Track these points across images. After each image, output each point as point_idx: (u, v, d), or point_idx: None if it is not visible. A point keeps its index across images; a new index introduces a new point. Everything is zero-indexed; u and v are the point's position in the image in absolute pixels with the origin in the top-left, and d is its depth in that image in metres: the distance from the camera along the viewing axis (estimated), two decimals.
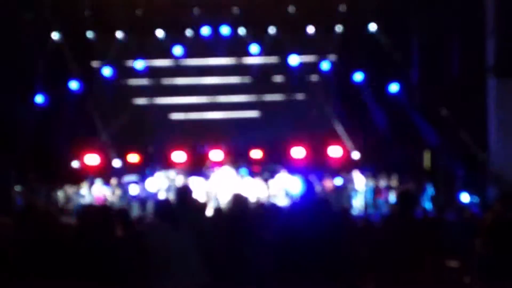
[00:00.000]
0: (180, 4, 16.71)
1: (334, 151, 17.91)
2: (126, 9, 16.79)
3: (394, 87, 17.59)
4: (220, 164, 16.33)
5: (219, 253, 6.25)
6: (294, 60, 18.07)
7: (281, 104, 18.83)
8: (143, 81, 18.84)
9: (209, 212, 9.12)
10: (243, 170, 15.95)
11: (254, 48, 18.11)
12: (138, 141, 18.11)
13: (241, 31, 18.09)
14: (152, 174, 16.08)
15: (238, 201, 6.84)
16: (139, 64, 18.32)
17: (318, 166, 16.63)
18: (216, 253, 6.17)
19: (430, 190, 15.00)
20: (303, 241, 5.67)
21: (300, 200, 6.53)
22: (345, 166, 16.77)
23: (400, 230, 5.89)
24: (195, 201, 7.85)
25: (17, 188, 15.21)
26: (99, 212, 5.85)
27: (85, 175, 16.34)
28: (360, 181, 15.56)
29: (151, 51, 18.25)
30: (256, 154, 17.90)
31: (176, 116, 18.97)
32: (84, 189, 15.44)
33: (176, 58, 18.50)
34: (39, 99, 17.38)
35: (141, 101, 19.07)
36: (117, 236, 5.85)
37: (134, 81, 18.91)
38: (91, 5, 16.91)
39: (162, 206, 6.10)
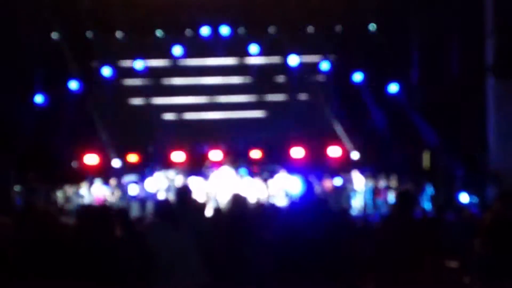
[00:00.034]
0: (179, 4, 16.69)
1: (334, 151, 17.90)
2: (125, 9, 16.78)
3: (393, 87, 17.59)
4: (219, 164, 16.32)
5: (219, 253, 6.26)
6: (293, 60, 18.07)
7: (280, 104, 18.82)
8: (143, 81, 18.82)
9: (208, 212, 9.12)
10: (243, 170, 15.93)
11: (253, 48, 18.11)
12: (137, 141, 18.09)
13: (241, 31, 18.09)
14: (151, 174, 16.07)
15: (238, 201, 6.85)
16: (138, 64, 18.31)
17: (317, 166, 16.62)
18: (215, 253, 6.18)
19: (429, 190, 15.00)
20: (303, 241, 5.68)
21: (299, 200, 6.55)
22: (345, 166, 16.76)
23: (400, 230, 5.89)
24: (195, 201, 7.86)
25: (17, 188, 15.20)
26: (99, 212, 5.85)
27: (84, 175, 16.32)
28: (359, 181, 15.55)
29: (150, 51, 18.24)
30: (255, 154, 17.90)
31: (175, 116, 18.96)
32: (83, 189, 15.42)
33: (175, 58, 18.49)
34: (38, 99, 17.38)
35: (140, 101, 19.05)
36: (116, 236, 5.85)
37: (134, 81, 18.90)
38: (91, 5, 16.90)
39: (162, 206, 6.11)
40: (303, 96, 18.86)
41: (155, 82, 18.84)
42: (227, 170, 15.29)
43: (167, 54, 18.34)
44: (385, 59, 16.88)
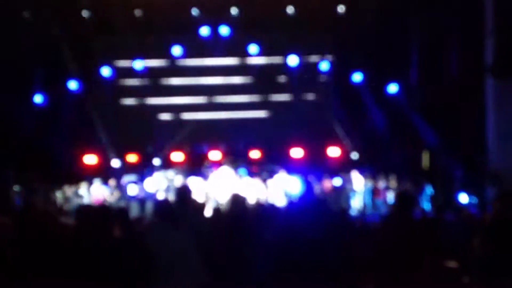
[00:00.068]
0: (179, 5, 16.70)
1: (333, 152, 17.92)
2: (125, 9, 16.78)
3: (393, 88, 17.59)
4: (219, 164, 16.32)
5: (219, 253, 6.25)
6: (293, 60, 18.07)
7: (280, 104, 18.82)
8: (142, 81, 18.82)
9: (208, 212, 9.12)
10: (242, 170, 15.94)
11: (253, 48, 18.11)
12: (136, 141, 18.09)
13: (240, 31, 18.08)
14: (150, 174, 16.07)
15: (237, 201, 6.85)
16: (138, 64, 18.31)
17: (316, 167, 16.62)
18: (215, 253, 6.18)
19: (428, 190, 15.00)
20: (302, 241, 5.68)
21: (299, 200, 6.55)
22: (344, 167, 16.77)
23: (399, 230, 5.89)
24: (195, 201, 7.86)
25: (16, 188, 15.20)
26: (98, 212, 5.86)
27: (84, 175, 16.32)
28: (358, 181, 15.55)
29: (150, 51, 18.24)
30: (255, 154, 17.91)
31: (174, 116, 18.96)
32: (82, 189, 15.41)
33: (174, 58, 18.49)
34: (38, 99, 17.37)
35: (140, 101, 19.05)
36: (116, 236, 5.85)
37: (133, 81, 18.90)
38: (90, 5, 16.91)
39: (162, 206, 6.11)
40: (302, 97, 18.86)
41: (154, 82, 18.85)
42: (226, 170, 15.28)
43: (166, 54, 18.34)
44: (385, 59, 16.87)
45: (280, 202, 13.86)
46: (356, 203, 15.37)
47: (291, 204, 9.19)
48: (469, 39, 14.49)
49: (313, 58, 18.49)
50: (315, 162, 17.21)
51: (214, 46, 18.20)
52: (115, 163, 17.54)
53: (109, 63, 18.32)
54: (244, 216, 6.70)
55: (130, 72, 18.54)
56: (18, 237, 5.73)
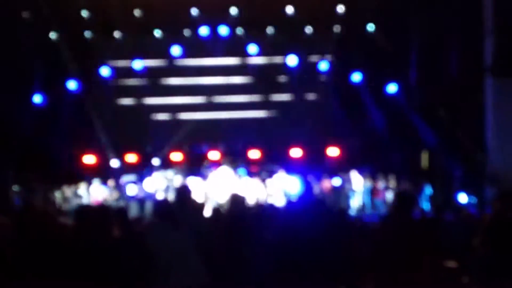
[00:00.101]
0: (178, 4, 16.69)
1: (332, 151, 17.92)
2: (124, 9, 16.77)
3: (392, 88, 17.57)
4: (218, 164, 16.31)
5: (218, 253, 6.25)
6: (292, 60, 18.06)
7: (279, 104, 18.83)
8: (141, 81, 18.80)
9: (207, 212, 9.11)
10: (241, 170, 15.94)
11: (252, 48, 18.10)
12: (136, 141, 18.09)
13: (239, 31, 18.07)
14: (150, 174, 16.06)
15: (236, 201, 6.85)
16: (137, 64, 18.30)
17: (316, 166, 16.62)
18: (215, 253, 6.17)
19: (428, 190, 15.00)
20: (301, 241, 5.68)
21: (298, 200, 6.54)
22: (343, 166, 16.76)
23: (398, 230, 5.89)
24: (194, 201, 7.85)
25: (15, 188, 15.19)
26: (97, 213, 5.86)
27: (83, 175, 16.31)
28: (358, 181, 15.56)
29: (149, 51, 18.24)
30: (254, 154, 17.90)
31: (173, 116, 18.95)
32: (82, 189, 15.41)
33: (174, 58, 18.48)
34: (37, 99, 17.36)
35: (139, 101, 19.04)
36: (115, 236, 5.85)
37: (132, 81, 18.88)
38: (90, 5, 16.90)
39: (162, 206, 6.10)
40: (301, 96, 18.85)
41: (153, 82, 18.84)
42: (225, 170, 15.28)
43: (165, 54, 18.33)
44: (384, 59, 16.87)
45: (279, 202, 13.87)
46: (356, 203, 15.38)
47: (290, 204, 9.18)
48: (469, 39, 14.48)
49: (313, 58, 18.48)
50: (314, 162, 17.21)
51: (214, 46, 18.20)
52: (114, 163, 17.53)
53: (108, 63, 18.31)
54: (243, 216, 6.70)
55: (130, 72, 18.53)
56: (17, 237, 5.73)
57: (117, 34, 18.02)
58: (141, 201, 15.15)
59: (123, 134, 17.87)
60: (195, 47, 18.15)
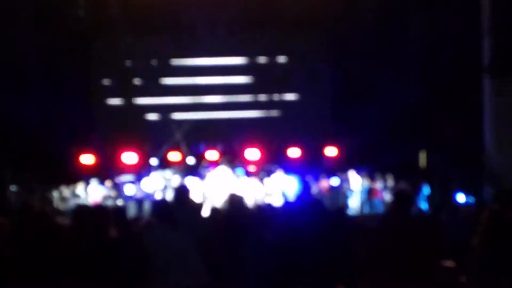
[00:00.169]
0: (177, 4, 16.68)
1: (330, 151, 17.91)
2: (124, 9, 16.76)
3: (391, 88, 17.54)
4: (216, 163, 16.31)
5: (217, 253, 6.25)
6: (291, 60, 18.05)
7: (278, 104, 18.84)
8: (140, 81, 18.79)
9: (205, 212, 9.11)
10: (239, 170, 15.93)
11: (251, 48, 18.09)
12: (134, 141, 18.07)
13: (238, 31, 18.06)
14: (148, 174, 16.05)
15: (235, 201, 6.84)
16: (137, 64, 18.29)
17: (314, 166, 16.62)
18: (213, 253, 6.17)
19: (426, 190, 15.00)
20: (300, 240, 5.69)
21: (296, 200, 6.55)
22: (341, 166, 16.76)
23: (396, 230, 5.90)
24: (192, 201, 7.85)
25: (13, 188, 15.17)
26: (95, 213, 5.85)
27: (80, 175, 16.28)
28: (355, 181, 15.56)
29: (149, 51, 18.23)
30: (252, 154, 17.90)
31: (171, 116, 18.95)
32: (80, 189, 15.39)
33: (172, 58, 18.47)
34: (37, 99, 17.32)
35: (138, 101, 19.03)
36: (113, 236, 5.84)
37: (132, 81, 18.87)
38: (90, 5, 16.89)
39: (160, 206, 6.10)
40: (300, 96, 18.86)
41: (152, 81, 18.82)
42: (223, 170, 15.27)
43: (164, 54, 18.32)
44: (384, 59, 16.86)
45: (278, 201, 13.86)
46: (353, 202, 15.38)
47: (288, 203, 9.19)
48: (468, 39, 14.49)
49: (312, 58, 18.47)
50: (312, 162, 17.21)
51: (213, 46, 18.20)
52: (113, 163, 17.50)
53: (107, 63, 18.28)
54: (241, 216, 6.69)
55: (130, 72, 18.51)
56: (15, 237, 5.72)
57: (117, 34, 17.96)
58: (139, 201, 15.14)
59: (122, 134, 17.84)
60: (193, 47, 18.15)
